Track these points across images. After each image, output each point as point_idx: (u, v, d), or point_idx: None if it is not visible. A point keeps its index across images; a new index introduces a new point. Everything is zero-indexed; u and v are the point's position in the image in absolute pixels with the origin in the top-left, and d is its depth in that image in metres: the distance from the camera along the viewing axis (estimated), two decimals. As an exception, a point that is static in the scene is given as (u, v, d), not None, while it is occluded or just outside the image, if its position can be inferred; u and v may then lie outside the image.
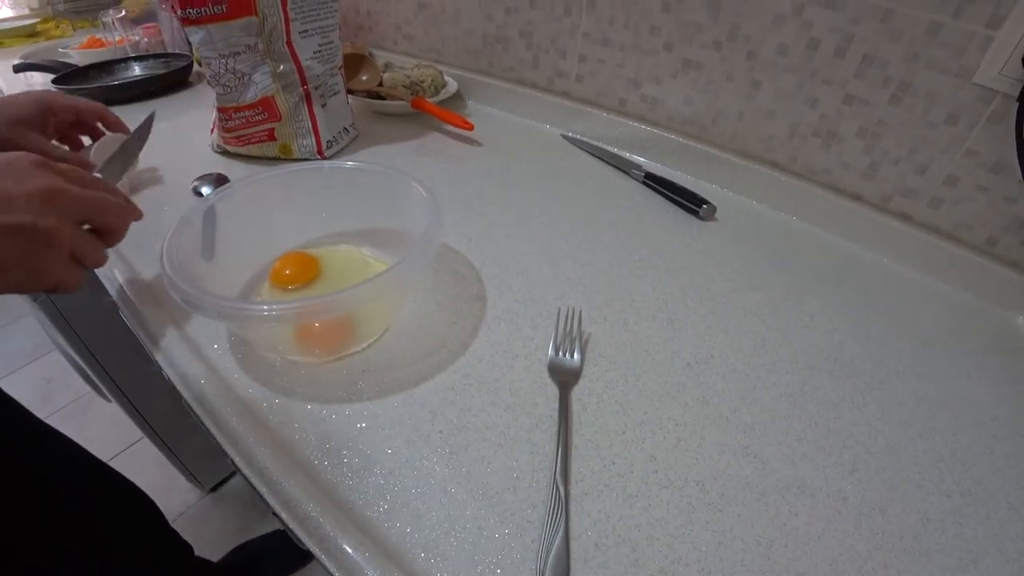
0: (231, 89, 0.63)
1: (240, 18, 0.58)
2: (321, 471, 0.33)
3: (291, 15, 0.60)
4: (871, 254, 0.58)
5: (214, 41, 0.59)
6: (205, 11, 0.57)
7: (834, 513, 0.33)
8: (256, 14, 0.58)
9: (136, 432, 1.00)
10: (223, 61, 0.61)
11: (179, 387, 0.39)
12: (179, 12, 0.58)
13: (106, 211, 0.35)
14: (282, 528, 0.95)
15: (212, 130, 0.70)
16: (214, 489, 1.24)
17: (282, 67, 0.63)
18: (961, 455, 0.37)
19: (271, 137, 0.66)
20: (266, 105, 0.64)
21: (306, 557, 1.07)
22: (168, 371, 0.40)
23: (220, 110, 0.65)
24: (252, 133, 0.66)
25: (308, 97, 0.66)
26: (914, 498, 0.34)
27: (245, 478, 0.34)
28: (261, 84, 0.63)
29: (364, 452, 0.34)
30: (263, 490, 0.31)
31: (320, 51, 0.65)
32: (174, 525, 0.81)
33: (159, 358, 0.41)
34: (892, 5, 0.50)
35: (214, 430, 0.36)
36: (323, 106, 0.68)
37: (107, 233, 0.36)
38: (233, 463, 0.34)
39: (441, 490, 0.32)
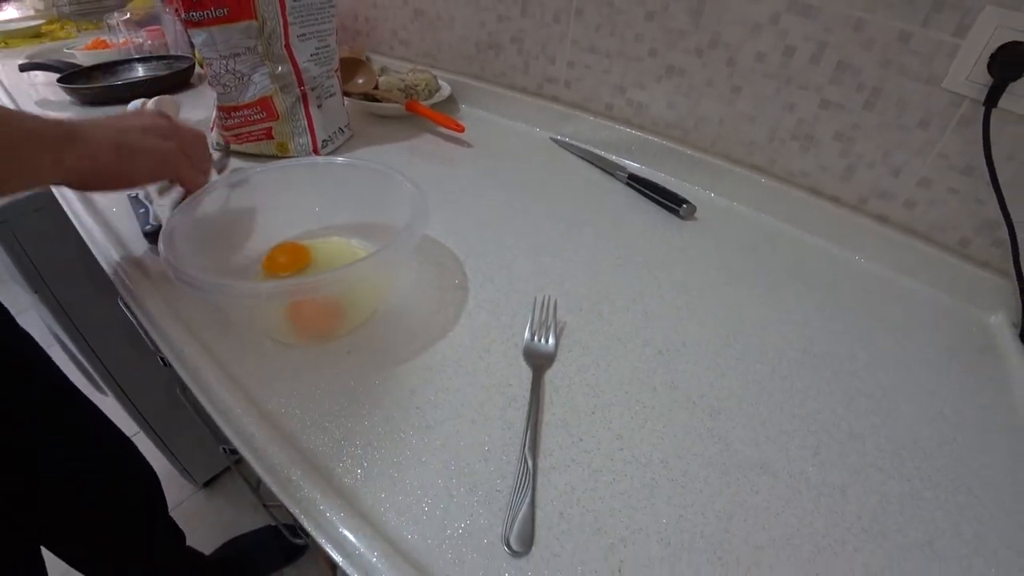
0: (231, 89, 0.65)
1: (241, 21, 0.60)
2: (304, 441, 0.34)
3: (290, 19, 0.62)
4: (848, 254, 0.59)
5: (215, 43, 0.62)
6: (207, 14, 0.59)
7: (794, 492, 0.34)
8: (256, 18, 0.60)
9: (132, 426, 1.01)
10: (224, 62, 0.63)
11: (175, 365, 0.40)
12: (183, 15, 0.60)
13: (198, 141, 0.48)
14: (273, 524, 0.97)
15: (212, 128, 0.72)
16: (207, 484, 1.25)
17: (280, 68, 0.65)
18: (923, 444, 0.38)
19: (269, 135, 0.68)
20: (264, 105, 0.66)
21: (295, 552, 1.07)
22: (165, 351, 0.42)
23: (220, 109, 0.67)
24: (250, 131, 0.68)
25: (305, 98, 0.68)
26: (874, 481, 0.35)
27: (234, 451, 0.36)
28: (260, 84, 0.65)
29: (345, 425, 0.35)
30: (250, 457, 0.33)
31: (317, 54, 0.67)
32: (167, 518, 0.82)
33: (156, 338, 0.42)
34: (864, 15, 0.52)
35: (207, 406, 0.37)
36: (319, 107, 0.70)
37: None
38: (224, 436, 0.36)
39: (416, 460, 0.33)
